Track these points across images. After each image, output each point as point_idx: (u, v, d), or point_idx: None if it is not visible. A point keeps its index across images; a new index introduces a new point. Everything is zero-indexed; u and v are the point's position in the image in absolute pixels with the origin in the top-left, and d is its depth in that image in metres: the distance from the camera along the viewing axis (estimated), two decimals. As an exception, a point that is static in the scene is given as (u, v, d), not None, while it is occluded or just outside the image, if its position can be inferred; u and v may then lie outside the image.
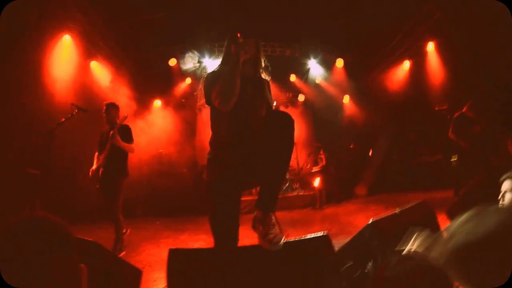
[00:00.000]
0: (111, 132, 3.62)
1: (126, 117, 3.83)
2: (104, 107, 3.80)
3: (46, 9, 5.33)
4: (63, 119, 3.56)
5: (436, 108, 5.83)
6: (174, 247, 1.57)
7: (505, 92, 5.68)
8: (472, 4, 5.92)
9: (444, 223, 3.47)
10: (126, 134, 3.76)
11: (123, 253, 3.67)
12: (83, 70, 6.69)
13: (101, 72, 7.25)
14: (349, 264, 1.88)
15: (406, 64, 8.54)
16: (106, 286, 1.79)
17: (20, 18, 4.62)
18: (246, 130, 1.80)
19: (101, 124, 3.92)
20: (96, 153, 3.85)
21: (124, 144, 3.67)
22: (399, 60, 8.60)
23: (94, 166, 3.76)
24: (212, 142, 1.94)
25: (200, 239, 4.32)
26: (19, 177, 4.82)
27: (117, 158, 3.69)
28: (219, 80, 1.78)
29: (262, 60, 2.08)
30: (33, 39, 5.22)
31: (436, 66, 7.75)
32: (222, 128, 1.90)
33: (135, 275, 2.28)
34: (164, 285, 2.47)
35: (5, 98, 4.61)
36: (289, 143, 1.68)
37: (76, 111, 3.64)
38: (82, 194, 5.30)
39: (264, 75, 2.11)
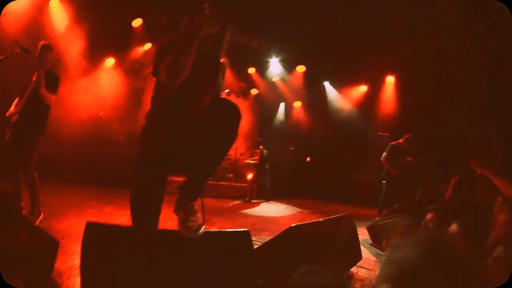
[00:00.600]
0: (36, 73, 3.20)
1: (58, 60, 3.47)
2: (39, 49, 3.30)
3: None
4: (2, 57, 3.04)
5: (379, 133, 6.31)
6: (95, 220, 1.50)
7: (446, 137, 6.47)
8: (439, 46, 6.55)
9: (364, 236, 3.84)
10: (52, 82, 3.32)
11: (40, 217, 3.34)
12: (41, 5, 5.90)
13: (59, 14, 6.50)
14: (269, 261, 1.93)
15: (363, 87, 9.17)
16: (17, 255, 1.58)
17: None
18: (186, 111, 1.66)
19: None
20: (17, 99, 3.38)
21: (44, 92, 3.24)
22: (357, 82, 9.20)
23: (11, 109, 3.31)
24: (148, 116, 1.75)
25: (125, 214, 4.07)
26: None
27: (36, 108, 3.26)
28: (172, 52, 1.56)
29: (225, 42, 1.90)
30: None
31: (391, 97, 8.48)
32: (161, 104, 1.73)
33: (52, 245, 2.06)
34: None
35: None
36: (230, 138, 1.62)
37: (18, 50, 3.15)
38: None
39: (222, 59, 1.92)
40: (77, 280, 2.13)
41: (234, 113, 1.58)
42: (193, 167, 1.63)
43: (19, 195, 3.27)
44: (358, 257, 2.77)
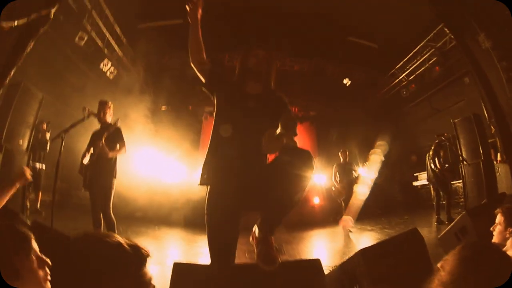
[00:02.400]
0: (100, 143, 3.66)
1: (117, 120, 3.89)
2: (99, 106, 3.85)
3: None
4: (76, 122, 3.65)
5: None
6: (179, 260, 1.70)
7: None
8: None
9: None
10: (118, 137, 3.81)
11: None
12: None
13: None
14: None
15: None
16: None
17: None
18: (242, 153, 1.76)
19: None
20: (87, 151, 3.83)
21: (112, 154, 3.73)
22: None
23: (84, 162, 3.79)
24: (207, 160, 1.88)
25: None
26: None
27: (106, 160, 3.74)
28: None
29: (272, 75, 2.01)
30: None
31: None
32: (218, 146, 1.87)
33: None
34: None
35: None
36: (305, 186, 1.68)
37: (87, 114, 3.72)
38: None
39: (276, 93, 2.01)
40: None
41: (306, 162, 1.66)
42: (272, 204, 1.73)
43: None
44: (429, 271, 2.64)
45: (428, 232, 5.17)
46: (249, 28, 7.32)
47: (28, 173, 1.99)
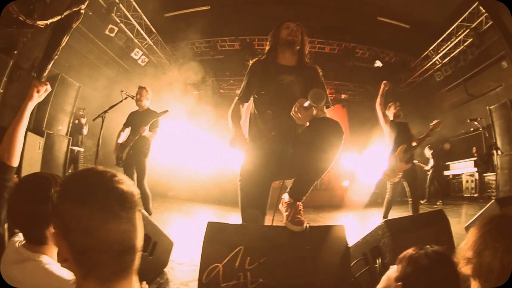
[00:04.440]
0: (143, 128, 3.84)
1: (166, 111, 4.04)
2: (137, 90, 4.13)
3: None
4: (114, 104, 3.89)
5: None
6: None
7: None
8: None
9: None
10: (155, 123, 4.03)
11: None
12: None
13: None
14: (359, 259, 2.04)
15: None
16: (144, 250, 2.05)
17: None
18: (282, 124, 1.85)
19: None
20: (121, 132, 4.10)
21: (150, 135, 3.98)
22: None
23: (118, 141, 4.06)
24: (248, 132, 2.03)
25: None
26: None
27: (141, 141, 4.00)
28: None
29: (305, 45, 2.05)
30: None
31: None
32: (256, 120, 2.00)
33: (168, 245, 2.58)
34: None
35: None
36: (331, 157, 1.74)
37: (126, 97, 3.99)
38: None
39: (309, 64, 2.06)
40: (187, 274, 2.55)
41: (335, 132, 1.71)
42: (300, 171, 1.83)
43: (150, 212, 3.98)
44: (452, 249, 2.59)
45: (457, 222, 4.96)
46: (277, 12, 7.30)
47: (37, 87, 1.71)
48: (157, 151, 4.58)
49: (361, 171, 8.37)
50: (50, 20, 4.29)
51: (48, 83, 1.77)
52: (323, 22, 7.73)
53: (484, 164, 7.94)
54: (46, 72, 4.96)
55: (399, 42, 8.44)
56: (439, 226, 2.42)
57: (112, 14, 6.73)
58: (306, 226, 1.75)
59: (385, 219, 1.99)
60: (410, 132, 4.06)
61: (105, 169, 0.71)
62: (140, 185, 3.95)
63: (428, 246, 1.05)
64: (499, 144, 5.71)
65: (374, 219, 5.82)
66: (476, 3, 6.30)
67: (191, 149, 8.58)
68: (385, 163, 3.79)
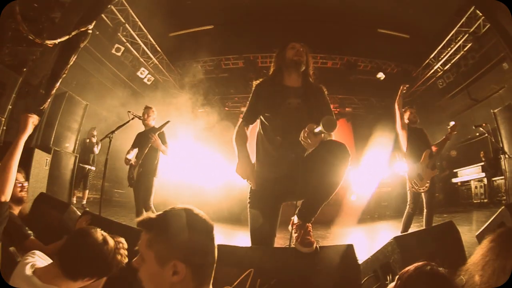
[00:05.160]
0: (153, 137, 3.96)
1: (168, 122, 4.15)
2: (143, 110, 4.22)
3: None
4: (122, 124, 4.00)
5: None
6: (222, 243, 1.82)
7: None
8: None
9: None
10: (163, 138, 4.13)
11: None
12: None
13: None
14: (369, 276, 2.02)
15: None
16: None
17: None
18: (287, 147, 1.86)
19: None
20: (129, 151, 4.15)
21: (163, 148, 4.06)
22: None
23: (129, 158, 4.11)
24: (256, 155, 2.04)
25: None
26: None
27: (151, 160, 4.09)
28: None
29: (310, 66, 2.07)
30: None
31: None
32: (264, 142, 2.00)
33: None
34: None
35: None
36: (338, 178, 1.75)
37: (132, 117, 4.10)
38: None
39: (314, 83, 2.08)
40: None
41: (341, 154, 1.71)
42: (309, 193, 1.83)
43: None
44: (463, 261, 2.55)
45: (468, 230, 4.88)
46: (278, 29, 7.42)
47: (30, 119, 1.75)
48: (163, 169, 4.64)
49: (364, 184, 8.35)
50: (59, 40, 4.42)
51: (35, 115, 1.79)
52: (324, 37, 7.82)
53: (492, 168, 7.85)
54: (54, 90, 5.08)
55: (400, 52, 8.50)
56: (450, 239, 2.39)
57: (119, 34, 6.93)
58: (316, 247, 1.76)
59: (395, 236, 1.98)
60: (427, 138, 3.94)
61: (186, 206, 0.99)
62: (146, 204, 3.99)
63: (428, 267, 1.03)
64: (505, 147, 5.65)
65: (384, 233, 5.77)
66: (473, 7, 6.35)
67: (197, 167, 8.60)
68: (409, 173, 3.67)
